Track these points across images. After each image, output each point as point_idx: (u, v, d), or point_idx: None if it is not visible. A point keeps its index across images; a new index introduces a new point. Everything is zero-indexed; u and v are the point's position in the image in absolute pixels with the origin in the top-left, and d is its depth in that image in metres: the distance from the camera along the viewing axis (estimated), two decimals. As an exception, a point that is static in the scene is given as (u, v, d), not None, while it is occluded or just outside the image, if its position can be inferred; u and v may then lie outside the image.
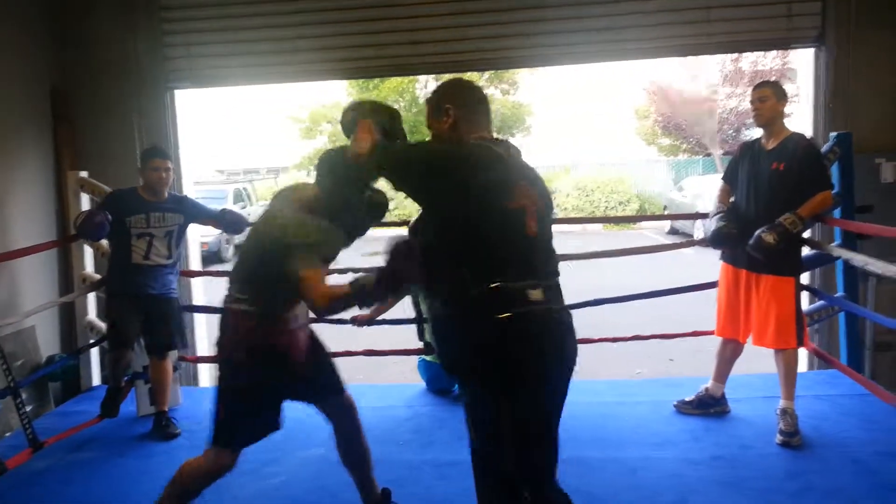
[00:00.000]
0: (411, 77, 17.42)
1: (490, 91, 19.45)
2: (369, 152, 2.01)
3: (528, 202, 1.89)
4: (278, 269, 2.09)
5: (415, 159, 2.00)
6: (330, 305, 2.06)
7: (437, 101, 2.08)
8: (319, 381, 2.48)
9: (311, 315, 2.43)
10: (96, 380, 4.48)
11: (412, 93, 19.34)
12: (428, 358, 4.06)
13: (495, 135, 2.10)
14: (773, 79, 11.43)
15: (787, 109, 3.34)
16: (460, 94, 2.09)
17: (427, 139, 2.14)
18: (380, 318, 4.02)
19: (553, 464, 1.93)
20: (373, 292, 1.97)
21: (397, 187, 2.00)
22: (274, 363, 2.27)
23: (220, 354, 2.34)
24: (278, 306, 2.27)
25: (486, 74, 18.28)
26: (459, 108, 2.03)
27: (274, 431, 2.35)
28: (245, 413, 2.28)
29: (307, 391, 2.46)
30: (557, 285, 1.94)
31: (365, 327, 4.01)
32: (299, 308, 2.34)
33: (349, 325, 3.99)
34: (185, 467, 2.32)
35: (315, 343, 2.52)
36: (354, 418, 2.53)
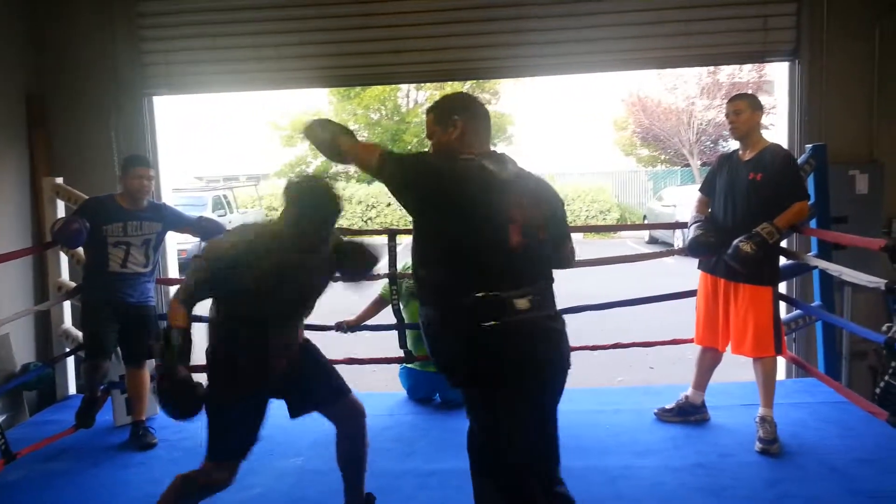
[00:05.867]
0: (393, 86, 17.46)
1: (471, 101, 19.50)
2: (377, 160, 2.03)
3: (516, 215, 1.96)
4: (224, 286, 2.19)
5: (411, 170, 2.04)
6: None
7: (445, 112, 2.11)
8: (315, 390, 2.48)
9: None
10: (72, 389, 4.40)
11: (394, 101, 19.37)
12: (410, 366, 4.05)
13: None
14: (748, 91, 11.59)
15: (764, 121, 3.38)
16: (469, 106, 2.13)
17: (426, 151, 2.19)
18: (363, 324, 4.01)
19: (552, 466, 2.01)
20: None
21: (394, 193, 2.06)
22: (237, 374, 2.27)
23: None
24: (234, 318, 2.27)
25: (468, 84, 18.36)
26: (467, 120, 2.08)
27: (254, 442, 2.33)
28: (222, 424, 2.27)
29: (303, 402, 2.47)
30: (548, 292, 2.02)
31: (348, 333, 4.00)
32: (275, 323, 2.32)
33: (333, 332, 3.98)
34: (179, 481, 2.31)
35: (306, 354, 2.50)
36: (359, 422, 2.52)
